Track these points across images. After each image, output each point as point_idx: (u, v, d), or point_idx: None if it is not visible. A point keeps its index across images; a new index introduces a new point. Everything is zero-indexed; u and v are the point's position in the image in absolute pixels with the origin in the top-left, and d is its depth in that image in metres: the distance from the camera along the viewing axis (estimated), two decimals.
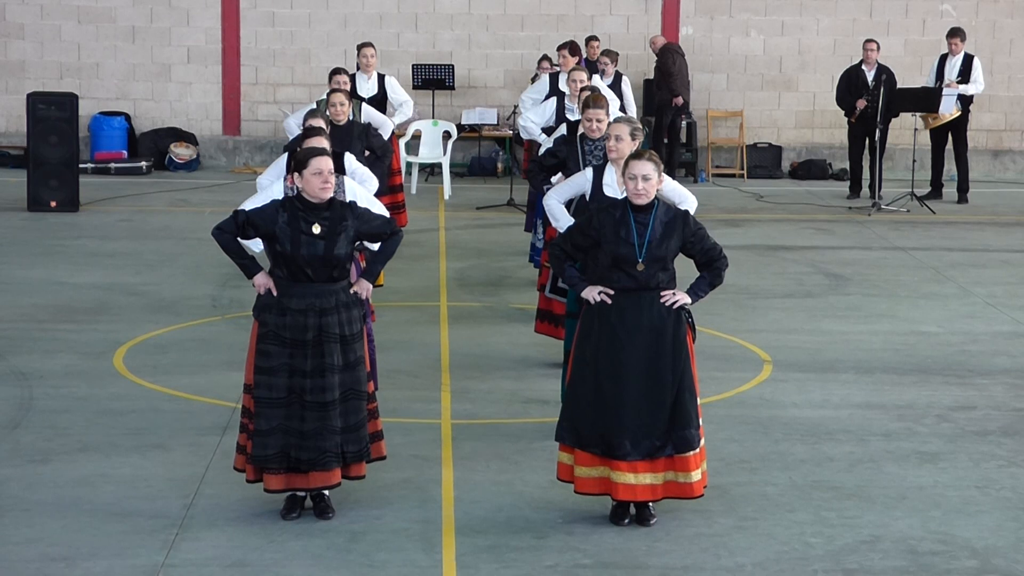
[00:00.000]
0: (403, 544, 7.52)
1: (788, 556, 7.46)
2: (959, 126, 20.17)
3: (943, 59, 20.40)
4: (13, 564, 7.19)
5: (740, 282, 14.13)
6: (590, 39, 21.20)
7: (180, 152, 22.69)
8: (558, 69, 17.01)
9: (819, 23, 23.23)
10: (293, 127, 14.04)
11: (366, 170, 10.86)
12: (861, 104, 20.14)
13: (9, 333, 11.96)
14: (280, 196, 8.88)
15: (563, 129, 12.16)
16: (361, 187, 9.61)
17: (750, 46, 23.27)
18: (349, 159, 10.76)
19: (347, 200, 8.40)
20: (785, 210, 19.62)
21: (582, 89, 12.33)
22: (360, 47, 16.45)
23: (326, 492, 7.87)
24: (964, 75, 20.06)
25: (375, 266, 8.08)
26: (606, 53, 19.06)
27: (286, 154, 10.92)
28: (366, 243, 8.42)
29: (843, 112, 20.73)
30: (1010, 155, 23.60)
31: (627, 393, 7.72)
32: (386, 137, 14.12)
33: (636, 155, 7.88)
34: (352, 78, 15.51)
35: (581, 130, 10.58)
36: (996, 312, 13.35)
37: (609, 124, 9.27)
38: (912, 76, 21.89)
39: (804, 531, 7.81)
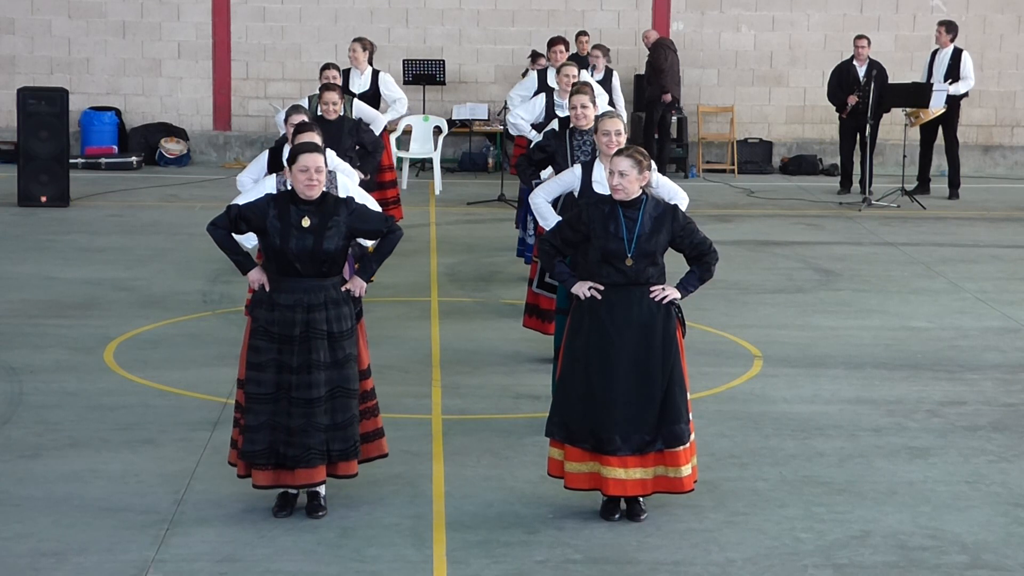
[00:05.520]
0: (394, 539, 7.52)
1: (778, 551, 7.47)
2: (948, 121, 20.18)
3: (934, 54, 20.41)
4: (3, 559, 7.19)
5: (730, 277, 14.14)
6: (580, 34, 21.21)
7: (170, 147, 22.67)
8: (547, 64, 16.99)
9: (810, 18, 23.25)
10: (283, 123, 14.02)
11: (347, 166, 10.85)
12: (852, 100, 20.15)
13: None
14: (273, 191, 8.90)
15: (554, 125, 12.14)
16: (352, 182, 9.60)
17: (741, 41, 23.28)
18: (330, 154, 10.74)
19: (341, 195, 8.38)
20: (776, 205, 19.63)
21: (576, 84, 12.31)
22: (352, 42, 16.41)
23: (320, 491, 7.86)
24: (953, 70, 20.08)
25: (372, 264, 8.06)
26: (598, 47, 19.05)
27: (266, 152, 10.91)
28: (360, 240, 8.38)
29: (834, 108, 20.73)
30: (1000, 150, 23.63)
31: (617, 388, 7.72)
32: (377, 133, 14.11)
33: (619, 151, 7.91)
34: (346, 73, 15.49)
35: (571, 124, 10.61)
36: (986, 307, 13.36)
37: (602, 120, 9.24)
38: (903, 71, 21.90)
39: (794, 526, 7.82)
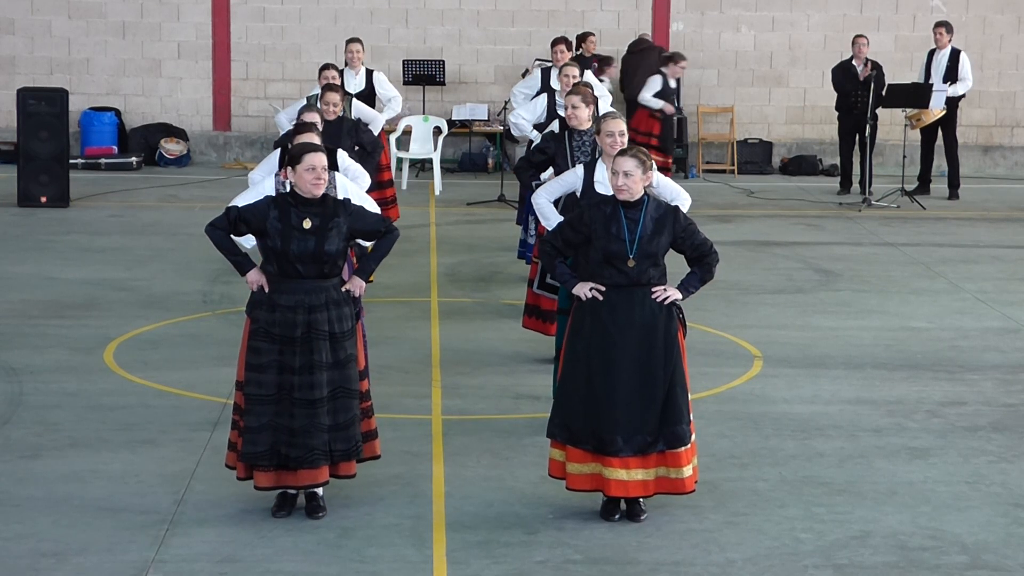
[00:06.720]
0: (394, 540, 7.52)
1: (778, 552, 7.47)
2: (948, 122, 20.19)
3: (931, 54, 20.41)
4: (4, 559, 7.19)
5: (730, 278, 14.14)
6: (586, 35, 21.21)
7: (170, 147, 22.66)
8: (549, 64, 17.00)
9: (809, 19, 23.24)
10: (284, 123, 14.03)
11: (358, 166, 10.86)
12: (866, 72, 19.99)
13: None
14: (272, 192, 8.88)
15: (554, 127, 12.15)
16: (353, 184, 9.60)
17: (740, 42, 23.27)
18: (342, 155, 10.75)
19: (339, 196, 8.39)
20: (775, 206, 19.63)
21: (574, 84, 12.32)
22: (347, 43, 16.44)
23: (319, 491, 7.86)
24: (951, 71, 20.08)
25: (370, 264, 8.06)
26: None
27: (277, 150, 10.90)
28: (360, 241, 8.39)
29: (839, 96, 20.56)
30: (1000, 151, 23.62)
31: (619, 389, 7.72)
32: (376, 133, 14.11)
33: (622, 152, 7.93)
34: (340, 74, 15.49)
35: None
36: (986, 308, 13.36)
37: (605, 121, 9.23)
38: (903, 72, 21.88)
39: (794, 527, 7.82)
